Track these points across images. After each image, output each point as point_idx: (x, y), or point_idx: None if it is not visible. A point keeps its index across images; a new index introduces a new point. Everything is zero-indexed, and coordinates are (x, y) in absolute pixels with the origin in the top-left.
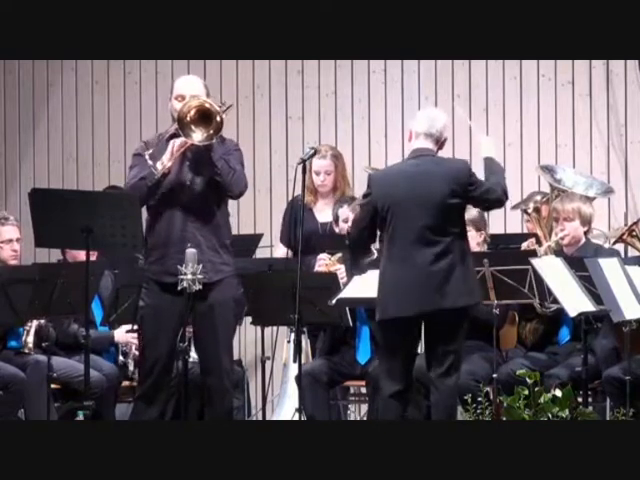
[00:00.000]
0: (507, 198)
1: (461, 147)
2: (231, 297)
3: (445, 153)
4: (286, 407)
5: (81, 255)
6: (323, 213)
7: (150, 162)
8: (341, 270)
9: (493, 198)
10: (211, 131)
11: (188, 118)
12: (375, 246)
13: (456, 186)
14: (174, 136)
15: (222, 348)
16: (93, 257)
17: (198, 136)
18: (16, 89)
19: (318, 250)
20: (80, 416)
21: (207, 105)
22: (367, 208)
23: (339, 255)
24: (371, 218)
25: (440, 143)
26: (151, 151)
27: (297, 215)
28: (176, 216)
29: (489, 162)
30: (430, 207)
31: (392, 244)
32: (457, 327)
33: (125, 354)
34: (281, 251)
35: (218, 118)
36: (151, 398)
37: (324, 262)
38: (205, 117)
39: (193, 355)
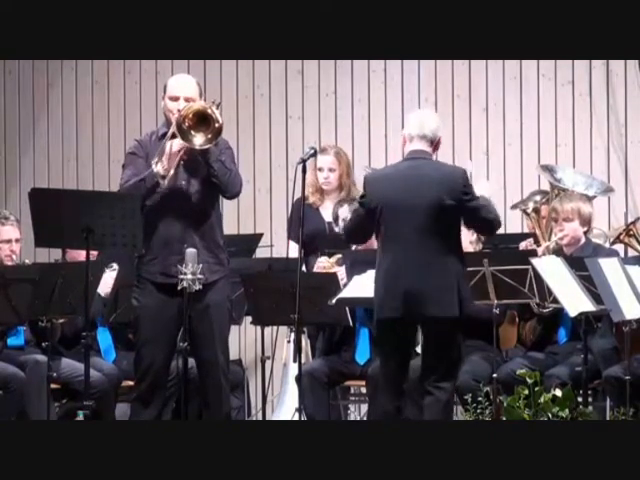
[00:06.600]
0: (499, 226)
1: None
2: (226, 297)
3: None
4: (286, 407)
5: (81, 255)
6: (330, 212)
7: (157, 170)
8: (340, 272)
9: (488, 217)
10: (210, 135)
11: (187, 123)
12: None
13: (451, 192)
14: (166, 135)
15: (219, 348)
16: (93, 258)
17: (198, 140)
18: (16, 89)
19: (322, 249)
20: (80, 416)
21: (208, 111)
22: (361, 209)
23: (338, 257)
24: (366, 218)
25: (435, 144)
26: (156, 159)
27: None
28: (172, 217)
29: (482, 198)
30: (424, 211)
31: (386, 246)
32: (448, 335)
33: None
34: (294, 248)
35: (217, 124)
36: (148, 400)
37: (322, 265)
38: (204, 120)
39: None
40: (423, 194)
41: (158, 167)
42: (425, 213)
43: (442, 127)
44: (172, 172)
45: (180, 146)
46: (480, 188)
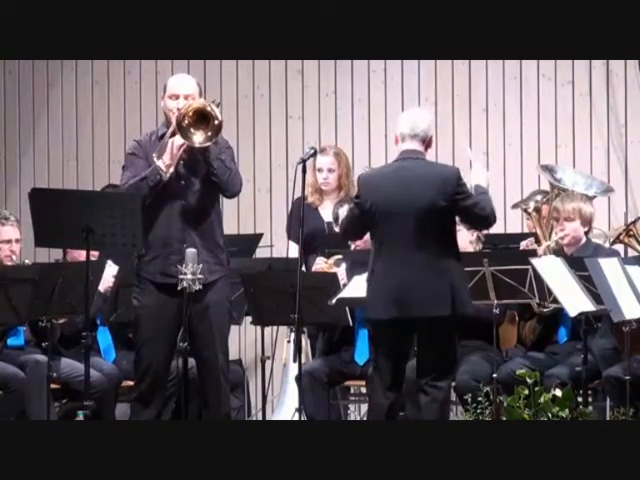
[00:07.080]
0: (495, 221)
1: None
2: (226, 297)
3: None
4: (286, 407)
5: (82, 256)
6: (329, 212)
7: (159, 165)
8: (340, 272)
9: (482, 214)
10: (210, 132)
11: (187, 121)
12: None
13: (444, 192)
14: (165, 135)
15: (219, 348)
16: (94, 258)
17: (198, 138)
18: (16, 89)
19: (322, 249)
20: (80, 416)
21: (208, 109)
22: (356, 209)
23: (336, 257)
24: (361, 218)
25: (426, 143)
26: (156, 155)
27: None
28: (172, 216)
29: (479, 188)
30: (418, 211)
31: (380, 246)
32: (445, 335)
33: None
34: (294, 248)
35: (216, 121)
36: (148, 400)
37: (320, 266)
38: (203, 118)
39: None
40: (417, 195)
41: (160, 163)
42: (419, 214)
43: (433, 125)
44: (172, 169)
45: (181, 142)
46: (477, 176)
